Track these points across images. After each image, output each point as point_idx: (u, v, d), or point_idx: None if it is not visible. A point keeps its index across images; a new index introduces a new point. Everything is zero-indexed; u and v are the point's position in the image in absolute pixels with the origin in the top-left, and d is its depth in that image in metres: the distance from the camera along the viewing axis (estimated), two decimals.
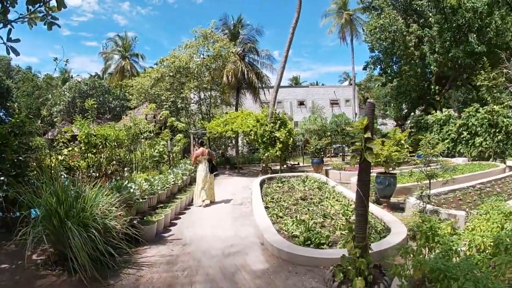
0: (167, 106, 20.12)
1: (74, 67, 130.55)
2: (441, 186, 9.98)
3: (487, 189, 10.46)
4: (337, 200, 9.64)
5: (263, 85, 30.06)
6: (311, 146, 16.74)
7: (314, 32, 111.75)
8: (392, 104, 28.95)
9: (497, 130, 17.70)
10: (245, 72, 27.14)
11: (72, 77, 41.89)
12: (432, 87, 24.56)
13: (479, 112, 18.76)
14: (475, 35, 21.02)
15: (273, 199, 9.75)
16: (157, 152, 12.39)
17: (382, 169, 10.19)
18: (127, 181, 7.65)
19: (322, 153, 17.02)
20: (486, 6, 20.24)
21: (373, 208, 8.40)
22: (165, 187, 9.01)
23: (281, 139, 15.31)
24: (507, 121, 17.48)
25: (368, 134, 4.17)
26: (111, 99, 30.69)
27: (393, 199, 9.95)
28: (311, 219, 7.35)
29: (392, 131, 10.06)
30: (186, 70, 21.10)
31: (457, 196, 9.52)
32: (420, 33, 22.41)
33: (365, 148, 4.19)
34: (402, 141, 9.85)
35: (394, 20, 22.10)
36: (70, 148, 8.45)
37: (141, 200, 7.33)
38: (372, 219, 7.53)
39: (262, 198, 9.58)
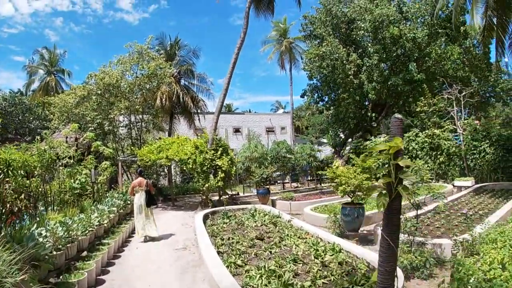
0: (92, 128, 17.70)
1: None
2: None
3: (448, 211, 10.25)
4: (299, 237, 8.39)
5: (199, 111, 28.55)
6: (256, 175, 15.48)
7: (246, 61, 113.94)
8: (329, 131, 29.10)
9: (439, 153, 18.27)
10: (181, 96, 25.46)
11: None
12: (369, 114, 25.06)
13: (419, 136, 19.37)
14: (415, 64, 21.84)
15: (223, 240, 8.21)
16: (78, 183, 10.24)
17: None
18: (35, 225, 5.68)
19: (268, 182, 15.84)
20: (427, 37, 21.18)
21: (345, 244, 7.33)
22: (87, 231, 7.03)
23: (223, 168, 13.88)
24: (448, 144, 18.08)
25: (403, 162, 2.94)
26: (31, 118, 26.96)
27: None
28: (280, 267, 5.97)
29: (362, 158, 9.19)
30: (116, 88, 18.94)
31: (424, 221, 8.93)
32: (359, 62, 22.83)
33: (397, 180, 2.94)
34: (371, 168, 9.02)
35: (336, 48, 22.24)
36: None
37: (54, 253, 5.41)
38: (350, 259, 6.41)
39: (211, 240, 8.01)
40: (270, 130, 41.58)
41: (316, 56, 23.63)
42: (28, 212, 7.75)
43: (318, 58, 23.78)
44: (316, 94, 28.22)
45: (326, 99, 28.32)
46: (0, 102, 24.60)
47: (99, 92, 18.43)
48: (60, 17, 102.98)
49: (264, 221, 10.42)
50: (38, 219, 7.31)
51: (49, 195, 9.02)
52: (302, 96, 29.53)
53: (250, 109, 71.98)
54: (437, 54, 21.82)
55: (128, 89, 19.23)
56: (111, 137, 20.17)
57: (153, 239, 9.24)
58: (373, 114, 25.24)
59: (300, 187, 21.96)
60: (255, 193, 19.20)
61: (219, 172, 13.88)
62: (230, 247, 7.56)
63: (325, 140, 41.07)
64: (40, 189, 8.54)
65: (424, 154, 18.87)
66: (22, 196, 7.39)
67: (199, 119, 28.62)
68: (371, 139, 22.12)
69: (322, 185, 23.33)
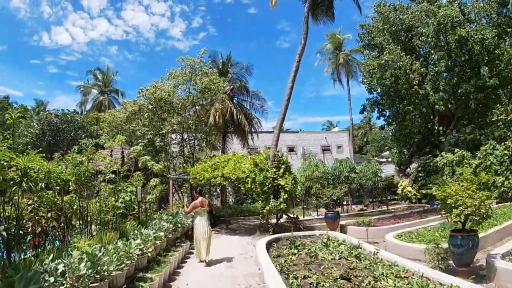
0: (143, 144, 16.62)
1: (56, 105, 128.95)
2: None
3: None
4: (397, 276, 6.24)
5: (253, 129, 27.11)
6: (324, 196, 13.31)
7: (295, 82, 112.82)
8: (393, 148, 26.32)
9: None
10: (234, 113, 24.24)
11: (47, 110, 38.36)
12: (436, 127, 22.30)
13: (496, 149, 16.28)
14: (486, 68, 19.16)
15: (298, 279, 6.23)
16: (121, 202, 8.77)
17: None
18: (51, 256, 4.11)
19: (338, 205, 13.63)
20: (496, 37, 18.71)
21: (464, 286, 5.17)
22: (124, 264, 5.35)
23: (286, 188, 11.96)
24: None
25: None
26: (83, 136, 26.83)
27: None
28: None
29: (468, 171, 7.11)
30: (168, 104, 17.92)
31: None
32: (424, 71, 20.36)
33: None
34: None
35: (399, 56, 19.94)
36: None
37: None
38: None
39: (283, 279, 6.06)
40: (326, 149, 39.09)
41: (375, 67, 21.51)
42: (58, 234, 6.33)
43: (378, 69, 21.66)
44: (376, 109, 25.94)
45: (387, 114, 25.92)
46: (51, 119, 24.56)
47: (150, 107, 17.45)
48: (115, 45, 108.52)
49: (342, 252, 8.31)
50: (70, 241, 5.84)
51: (86, 215, 7.57)
52: (361, 112, 27.34)
53: (301, 129, 70.06)
54: (510, 55, 19.00)
55: (180, 104, 18.12)
56: (162, 155, 19.06)
57: (208, 264, 8.31)
58: (440, 128, 22.40)
59: (365, 210, 19.43)
60: (316, 217, 17.09)
61: (282, 193, 11.97)
62: None
63: (383, 160, 37.93)
64: (74, 208, 7.12)
65: (504, 169, 15.69)
66: (50, 215, 5.96)
67: (252, 138, 27.24)
68: (442, 155, 19.44)
69: (390, 207, 20.66)
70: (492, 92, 19.29)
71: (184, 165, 17.11)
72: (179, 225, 10.46)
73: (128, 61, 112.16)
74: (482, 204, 6.69)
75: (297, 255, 8.26)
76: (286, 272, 6.67)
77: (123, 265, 5.28)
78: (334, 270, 6.72)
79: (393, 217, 14.96)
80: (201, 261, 8.53)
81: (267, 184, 12.01)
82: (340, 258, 7.86)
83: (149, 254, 6.76)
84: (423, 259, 7.97)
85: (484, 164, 16.61)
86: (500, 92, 17.53)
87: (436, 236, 10.28)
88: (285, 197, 11.87)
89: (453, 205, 6.78)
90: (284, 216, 14.06)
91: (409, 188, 20.15)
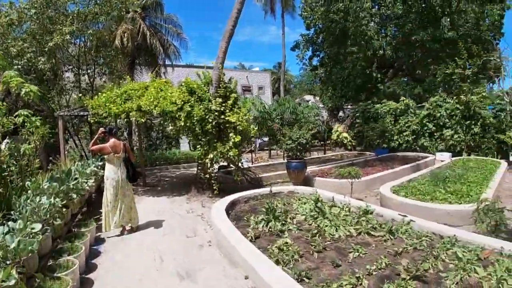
0: (20, 66, 11.14)
1: None
2: None
3: None
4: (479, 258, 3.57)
5: (168, 61, 22.46)
6: (287, 138, 9.85)
7: (203, 22, 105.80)
8: (328, 91, 24.43)
9: (473, 122, 15.22)
10: (147, 36, 19.26)
11: None
12: (374, 74, 21.58)
13: (447, 102, 16.39)
14: (448, 19, 18.71)
15: None
16: None
17: None
18: None
19: (305, 152, 10.32)
20: None
21: None
22: None
23: (239, 127, 8.35)
24: (484, 113, 15.11)
25: None
26: None
27: None
28: None
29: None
30: (61, 14, 12.48)
31: None
32: (375, 12, 19.31)
33: None
34: None
35: None
36: None
37: None
38: None
39: None
40: (246, 89, 35.61)
41: None
42: None
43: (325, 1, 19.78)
44: (311, 47, 23.76)
45: (322, 55, 23.88)
46: None
47: (33, 11, 11.71)
48: None
49: (349, 222, 5.23)
50: None
51: None
52: (292, 49, 24.89)
53: None
54: (474, 12, 18.41)
55: (77, 11, 12.69)
56: (53, 91, 13.73)
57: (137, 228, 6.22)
58: (379, 75, 21.71)
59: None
60: (252, 164, 14.16)
61: (231, 134, 8.33)
62: None
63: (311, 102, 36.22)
64: None
65: (454, 122, 15.66)
66: None
67: (165, 72, 22.66)
68: (384, 102, 19.04)
69: (327, 154, 18.68)
70: (447, 46, 19.00)
71: (81, 96, 12.06)
72: (74, 195, 6.28)
73: None
74: None
75: (286, 232, 5.01)
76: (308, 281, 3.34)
77: None
78: (379, 263, 3.66)
79: (353, 165, 12.31)
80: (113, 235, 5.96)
81: (210, 120, 8.20)
82: (359, 234, 4.88)
83: None
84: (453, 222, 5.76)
85: (433, 116, 16.49)
86: (460, 45, 16.84)
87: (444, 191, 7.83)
88: (236, 140, 8.26)
89: None
90: (215, 164, 10.40)
91: (345, 134, 19.06)
